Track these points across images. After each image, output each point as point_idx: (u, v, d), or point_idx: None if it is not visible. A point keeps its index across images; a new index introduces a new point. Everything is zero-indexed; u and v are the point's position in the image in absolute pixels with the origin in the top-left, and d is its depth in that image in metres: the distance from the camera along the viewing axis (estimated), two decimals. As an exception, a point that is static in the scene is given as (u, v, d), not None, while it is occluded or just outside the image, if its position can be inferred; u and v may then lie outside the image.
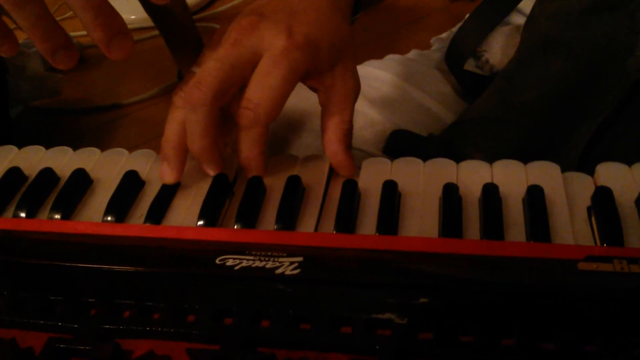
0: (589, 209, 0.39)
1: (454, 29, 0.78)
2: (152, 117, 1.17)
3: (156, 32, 1.30)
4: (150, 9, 1.22)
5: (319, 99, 0.44)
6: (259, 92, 0.39)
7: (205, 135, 0.41)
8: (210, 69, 0.40)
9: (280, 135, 0.61)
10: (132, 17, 1.47)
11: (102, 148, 0.49)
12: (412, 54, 0.74)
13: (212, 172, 0.43)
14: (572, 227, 0.37)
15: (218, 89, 0.39)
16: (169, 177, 0.43)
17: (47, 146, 0.50)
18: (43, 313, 0.35)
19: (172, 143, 0.42)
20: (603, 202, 0.37)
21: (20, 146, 0.50)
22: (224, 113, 0.42)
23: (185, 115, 0.40)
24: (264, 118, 0.40)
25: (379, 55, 0.74)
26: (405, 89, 0.66)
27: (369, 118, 0.63)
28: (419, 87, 0.67)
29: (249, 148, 0.42)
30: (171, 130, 0.42)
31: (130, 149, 0.48)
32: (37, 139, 0.52)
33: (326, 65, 0.42)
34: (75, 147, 0.49)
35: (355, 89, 0.44)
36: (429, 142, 0.61)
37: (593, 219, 0.38)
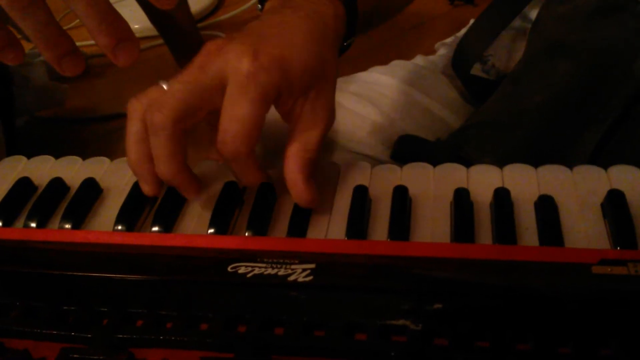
0: (602, 205, 0.38)
1: (459, 34, 0.78)
2: (157, 126, 1.17)
3: (160, 40, 1.31)
4: (155, 19, 1.23)
5: (288, 124, 0.42)
6: (232, 125, 0.38)
7: (171, 160, 0.39)
8: (172, 92, 0.38)
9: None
10: (137, 26, 1.47)
11: (108, 157, 0.49)
12: (418, 59, 0.74)
13: (188, 197, 0.42)
14: (586, 225, 0.37)
15: (179, 113, 0.38)
16: (148, 192, 0.42)
17: (52, 156, 0.50)
18: (56, 323, 0.35)
19: (134, 161, 0.41)
20: (615, 205, 0.37)
21: (25, 156, 0.50)
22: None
23: (150, 140, 0.39)
24: (246, 148, 0.38)
25: (384, 61, 0.74)
26: (412, 94, 0.66)
27: (375, 124, 0.63)
28: (425, 92, 0.67)
29: (244, 174, 0.41)
30: (129, 146, 0.40)
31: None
32: (42, 149, 0.52)
33: (298, 87, 0.40)
34: (80, 156, 0.49)
35: (325, 120, 0.41)
36: (437, 147, 0.61)
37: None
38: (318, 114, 0.41)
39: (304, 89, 0.40)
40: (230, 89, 0.38)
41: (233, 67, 0.38)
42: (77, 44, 1.38)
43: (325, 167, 0.45)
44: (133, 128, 0.40)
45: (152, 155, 0.39)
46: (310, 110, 0.41)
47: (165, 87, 0.40)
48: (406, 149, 0.60)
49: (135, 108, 0.40)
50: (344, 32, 0.46)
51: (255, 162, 0.41)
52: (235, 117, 0.38)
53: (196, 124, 0.40)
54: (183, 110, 0.38)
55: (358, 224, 0.39)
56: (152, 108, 0.38)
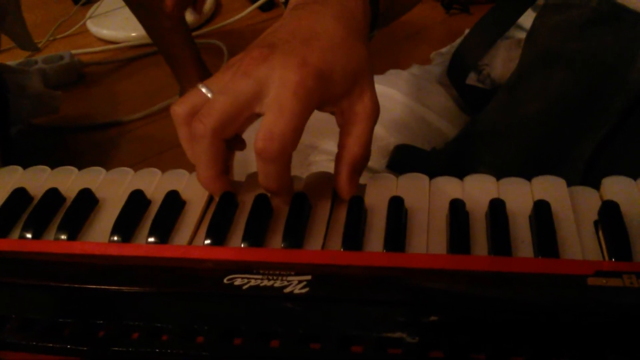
0: (595, 223, 0.39)
1: (454, 43, 0.78)
2: (153, 135, 1.18)
3: (155, 48, 1.31)
4: (149, 28, 1.23)
5: (336, 120, 0.43)
6: (281, 120, 0.38)
7: (207, 166, 0.41)
8: (215, 102, 0.40)
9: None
10: (133, 34, 1.48)
11: (103, 165, 0.49)
12: (414, 68, 0.75)
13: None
14: (580, 242, 0.37)
15: (220, 122, 0.39)
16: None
17: (47, 164, 0.50)
18: (51, 335, 0.35)
19: (192, 158, 0.43)
20: (610, 216, 0.37)
21: (20, 164, 0.50)
22: None
23: (193, 146, 0.41)
24: (290, 148, 0.39)
25: (380, 71, 0.74)
26: (408, 103, 0.66)
27: (371, 133, 0.63)
28: (421, 101, 0.67)
29: (279, 179, 0.41)
30: (185, 148, 0.43)
31: (131, 166, 0.48)
32: (37, 157, 0.52)
33: (342, 90, 0.41)
34: (75, 165, 0.49)
35: (373, 111, 0.42)
36: (433, 156, 0.61)
37: (600, 233, 0.38)
38: (366, 108, 0.42)
39: (346, 90, 0.42)
40: (279, 93, 0.39)
41: (282, 76, 0.39)
42: (73, 52, 1.39)
43: (320, 177, 0.45)
44: (181, 133, 0.43)
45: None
46: (358, 106, 0.42)
47: (203, 90, 0.41)
48: (402, 158, 0.61)
49: (178, 113, 0.42)
50: (369, 25, 0.47)
51: (290, 167, 0.41)
52: (284, 113, 0.38)
53: (237, 132, 0.42)
54: (223, 120, 0.40)
55: (354, 235, 0.39)
56: (197, 117, 0.40)
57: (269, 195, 0.42)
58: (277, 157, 0.39)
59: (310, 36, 0.41)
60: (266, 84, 0.39)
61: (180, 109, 0.42)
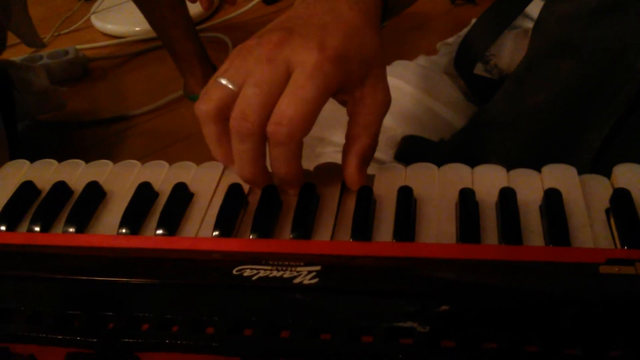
0: (607, 211, 0.38)
1: (461, 34, 0.78)
2: (159, 129, 1.18)
3: (160, 42, 1.31)
4: (153, 22, 1.22)
5: (347, 109, 0.43)
6: (292, 106, 0.38)
7: (256, 163, 0.41)
8: (251, 97, 0.39)
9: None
10: (137, 29, 1.48)
11: (109, 160, 0.48)
12: (420, 59, 0.74)
13: None
14: (591, 230, 0.37)
15: (263, 117, 0.39)
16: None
17: (54, 159, 0.50)
18: (61, 328, 0.35)
19: (222, 159, 0.43)
20: (622, 203, 0.37)
21: (27, 160, 0.50)
22: None
23: (233, 145, 0.40)
24: (299, 133, 0.39)
25: (386, 62, 0.74)
26: (415, 94, 0.66)
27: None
28: (429, 92, 0.67)
29: (287, 164, 0.41)
30: (212, 148, 0.42)
31: (138, 160, 0.48)
32: (44, 153, 0.52)
33: (357, 78, 0.41)
34: (82, 160, 0.49)
35: (384, 103, 0.42)
36: (440, 147, 0.61)
37: (612, 221, 0.37)
38: (377, 99, 0.42)
39: (360, 78, 0.41)
40: (297, 76, 0.39)
41: (301, 58, 0.39)
42: (78, 47, 1.39)
43: (329, 168, 0.45)
44: (209, 132, 0.41)
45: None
46: (370, 96, 0.42)
47: (224, 82, 0.40)
48: (410, 149, 0.60)
49: (207, 111, 0.41)
50: (381, 16, 0.46)
51: (300, 155, 0.41)
52: (298, 97, 0.38)
53: None
54: (265, 111, 0.39)
55: (363, 225, 0.39)
56: (239, 116, 0.39)
57: (277, 186, 0.42)
58: (286, 141, 0.39)
59: (327, 22, 0.41)
60: (291, 66, 0.39)
61: (207, 106, 0.40)
